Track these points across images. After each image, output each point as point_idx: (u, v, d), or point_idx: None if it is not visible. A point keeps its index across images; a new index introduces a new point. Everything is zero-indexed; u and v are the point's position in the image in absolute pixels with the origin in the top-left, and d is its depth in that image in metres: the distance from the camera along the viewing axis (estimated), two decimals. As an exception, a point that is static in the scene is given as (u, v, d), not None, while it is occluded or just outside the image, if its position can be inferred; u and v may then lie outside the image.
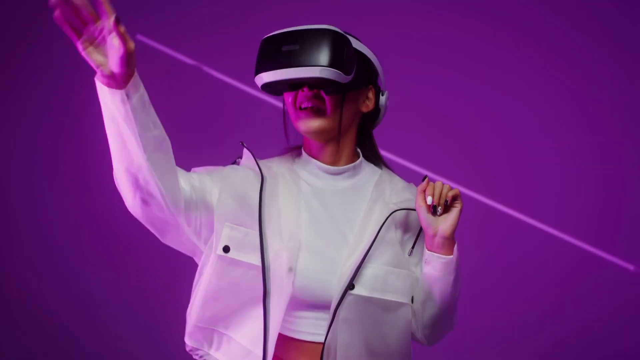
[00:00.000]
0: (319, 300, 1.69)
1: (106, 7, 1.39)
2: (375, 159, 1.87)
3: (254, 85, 1.76)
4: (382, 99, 1.83)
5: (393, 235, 1.75)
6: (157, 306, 3.18)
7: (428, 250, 1.73)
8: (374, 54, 1.82)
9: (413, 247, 1.78)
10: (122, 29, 1.40)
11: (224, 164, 1.84)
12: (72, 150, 3.40)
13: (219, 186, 1.71)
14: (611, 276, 3.19)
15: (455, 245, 1.72)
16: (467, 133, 3.27)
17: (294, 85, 1.72)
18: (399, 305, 1.72)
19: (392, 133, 3.04)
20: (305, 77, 1.67)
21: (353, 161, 1.81)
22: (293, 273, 1.66)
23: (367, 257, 1.69)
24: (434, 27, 3.28)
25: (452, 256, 1.72)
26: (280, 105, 1.86)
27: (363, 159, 1.84)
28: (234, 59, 3.30)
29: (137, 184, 1.59)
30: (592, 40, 3.22)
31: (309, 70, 1.65)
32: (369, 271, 1.69)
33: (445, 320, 1.78)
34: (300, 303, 1.69)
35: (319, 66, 1.65)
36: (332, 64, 1.66)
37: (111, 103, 1.49)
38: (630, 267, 3.18)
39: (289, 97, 1.76)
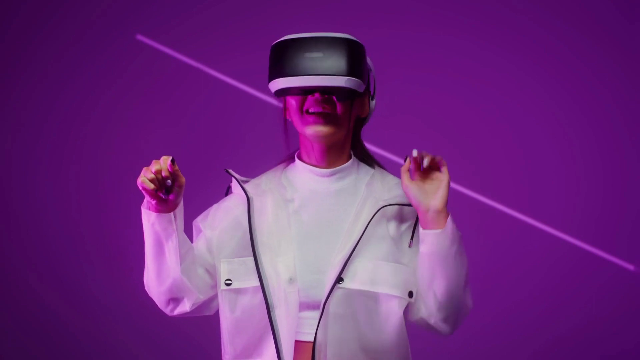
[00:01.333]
0: (312, 300, 1.70)
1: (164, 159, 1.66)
2: (368, 159, 1.88)
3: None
4: (372, 103, 1.86)
5: (384, 230, 1.74)
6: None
7: (423, 229, 1.71)
8: (370, 57, 1.84)
9: (412, 238, 1.76)
10: (175, 168, 1.66)
11: (224, 165, 1.86)
12: (74, 151, 3.40)
13: (216, 238, 1.80)
14: (611, 276, 3.18)
15: (449, 217, 1.70)
16: (467, 133, 3.27)
17: (306, 90, 1.72)
18: (391, 298, 1.71)
19: (392, 133, 3.05)
20: (331, 86, 1.69)
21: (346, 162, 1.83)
22: (295, 283, 1.70)
23: (355, 252, 1.69)
24: (434, 28, 3.28)
25: (445, 227, 1.70)
26: (280, 105, 1.86)
27: (355, 159, 1.84)
28: (235, 59, 3.31)
29: (170, 293, 1.77)
30: (592, 40, 3.22)
31: (334, 79, 1.68)
32: (358, 265, 1.70)
33: (456, 300, 1.74)
34: (305, 305, 1.71)
35: (344, 76, 1.68)
36: (355, 73, 1.69)
37: (159, 225, 1.70)
38: (630, 267, 3.18)
39: (293, 100, 1.76)
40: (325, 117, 1.74)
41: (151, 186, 1.64)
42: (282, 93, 1.74)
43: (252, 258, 1.72)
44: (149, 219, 1.70)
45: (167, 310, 1.80)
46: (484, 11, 3.28)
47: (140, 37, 3.39)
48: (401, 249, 1.76)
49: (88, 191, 3.37)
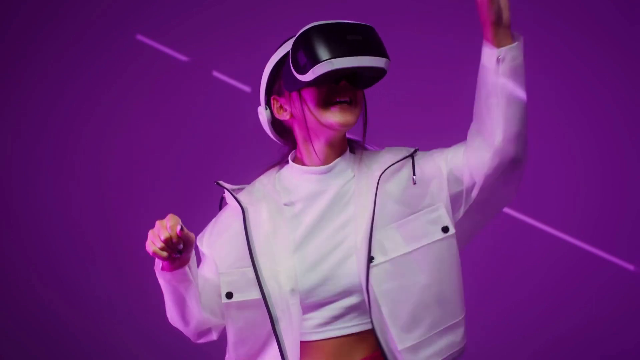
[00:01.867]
0: (324, 298, 1.70)
1: (171, 224, 1.63)
2: (354, 146, 1.86)
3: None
4: None
5: (386, 195, 1.73)
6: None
7: (497, 47, 1.68)
8: None
9: (414, 174, 1.75)
10: (185, 232, 1.63)
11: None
12: (74, 151, 3.40)
13: (216, 255, 1.80)
14: (611, 276, 3.19)
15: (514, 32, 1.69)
16: (467, 133, 3.27)
17: (333, 77, 1.69)
18: (424, 248, 1.70)
19: (393, 132, 3.04)
20: (376, 67, 1.68)
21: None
22: (297, 293, 1.68)
23: (373, 227, 1.68)
24: (434, 28, 3.28)
25: (520, 39, 1.71)
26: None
27: (348, 151, 1.83)
28: (235, 59, 3.31)
29: (197, 330, 1.81)
30: (592, 40, 3.22)
31: (378, 60, 1.68)
32: (380, 237, 1.69)
33: (527, 119, 1.74)
34: (307, 307, 1.70)
35: (384, 58, 1.69)
36: (388, 57, 1.70)
37: (175, 280, 1.71)
38: (630, 267, 3.18)
39: (311, 92, 1.72)
40: (349, 106, 1.73)
41: (164, 255, 1.64)
42: (323, 78, 1.68)
43: (251, 268, 1.70)
44: (165, 277, 1.71)
45: (195, 341, 1.83)
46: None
47: (140, 37, 3.39)
48: (410, 195, 1.74)
49: (88, 191, 3.38)
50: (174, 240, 1.62)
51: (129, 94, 3.37)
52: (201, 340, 1.83)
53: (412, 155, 1.78)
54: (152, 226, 1.67)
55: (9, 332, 3.37)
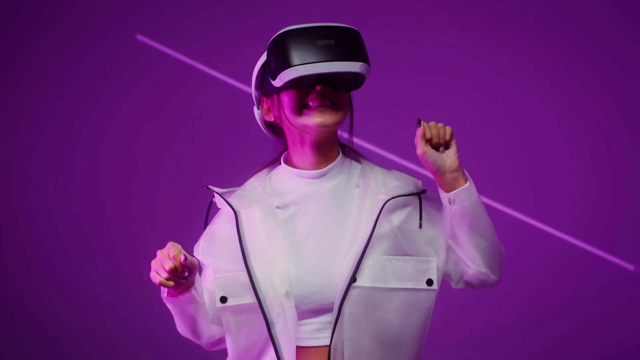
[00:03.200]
0: (317, 305, 1.69)
1: (174, 253, 1.63)
2: (354, 154, 1.85)
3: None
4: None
5: (388, 224, 1.72)
6: (162, 307, 3.18)
7: (447, 192, 1.72)
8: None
9: (420, 219, 1.75)
10: (188, 259, 1.64)
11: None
12: (74, 151, 3.40)
13: (216, 263, 1.79)
14: (611, 276, 3.19)
15: (465, 171, 1.74)
16: (467, 133, 3.26)
17: (307, 82, 1.69)
18: (405, 291, 1.70)
19: (392, 132, 3.05)
20: (346, 72, 1.67)
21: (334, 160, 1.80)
22: (292, 297, 1.67)
23: (366, 250, 1.68)
24: (434, 28, 3.28)
25: (469, 181, 1.73)
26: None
27: (342, 155, 1.82)
28: (235, 59, 3.31)
29: (209, 340, 1.81)
30: (592, 40, 3.22)
31: (350, 65, 1.67)
32: (368, 262, 1.68)
33: (496, 246, 1.76)
34: (304, 312, 1.69)
35: (359, 62, 1.67)
36: (366, 60, 1.69)
37: (183, 303, 1.72)
38: (630, 267, 3.18)
39: (288, 96, 1.72)
40: (327, 109, 1.71)
41: (171, 284, 1.65)
42: (293, 84, 1.68)
43: (245, 273, 1.69)
44: (173, 302, 1.73)
45: (208, 349, 1.84)
46: (483, 12, 3.28)
47: (140, 37, 3.39)
48: (409, 236, 1.74)
49: (88, 191, 3.38)
50: (179, 270, 1.63)
51: (129, 94, 3.37)
52: (214, 349, 1.83)
53: (419, 195, 1.78)
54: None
55: (9, 332, 3.37)
